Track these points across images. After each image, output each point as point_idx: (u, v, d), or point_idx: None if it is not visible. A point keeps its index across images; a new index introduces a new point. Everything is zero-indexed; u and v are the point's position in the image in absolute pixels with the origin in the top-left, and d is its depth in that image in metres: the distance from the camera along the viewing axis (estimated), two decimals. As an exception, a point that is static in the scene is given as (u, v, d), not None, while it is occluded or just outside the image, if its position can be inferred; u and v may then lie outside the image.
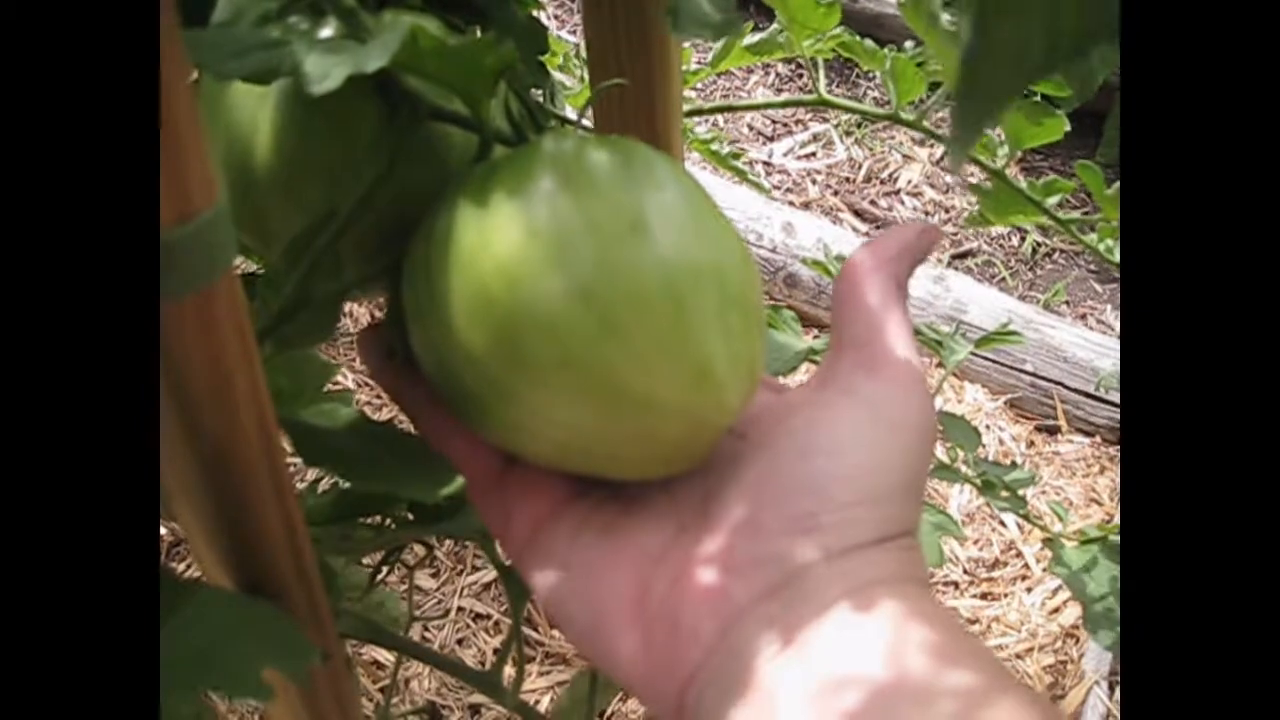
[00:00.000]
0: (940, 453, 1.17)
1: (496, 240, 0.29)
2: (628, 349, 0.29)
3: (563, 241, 0.29)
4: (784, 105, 0.54)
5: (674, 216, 0.30)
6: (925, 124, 0.52)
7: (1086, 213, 0.51)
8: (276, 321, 0.31)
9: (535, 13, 0.51)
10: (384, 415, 1.29)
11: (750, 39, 0.75)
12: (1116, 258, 0.52)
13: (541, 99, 0.55)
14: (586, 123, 0.51)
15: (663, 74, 0.47)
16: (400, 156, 0.34)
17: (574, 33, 2.27)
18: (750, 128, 2.05)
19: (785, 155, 1.94)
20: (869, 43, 0.56)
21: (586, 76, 0.85)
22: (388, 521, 0.47)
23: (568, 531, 0.33)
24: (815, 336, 1.52)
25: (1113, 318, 1.69)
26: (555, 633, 1.08)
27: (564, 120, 0.55)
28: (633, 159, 0.31)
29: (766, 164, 1.91)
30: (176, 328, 0.25)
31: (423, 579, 1.12)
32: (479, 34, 0.50)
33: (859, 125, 2.03)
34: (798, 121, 2.07)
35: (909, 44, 0.55)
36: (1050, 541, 0.66)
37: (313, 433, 0.34)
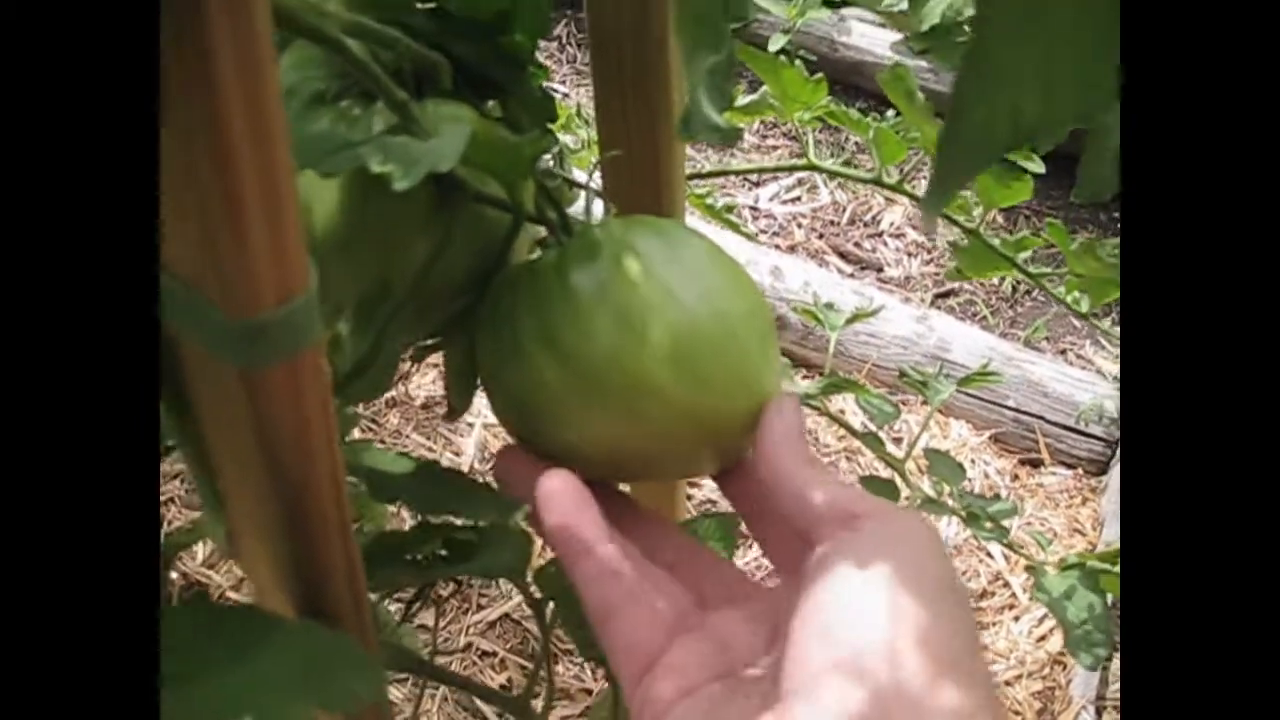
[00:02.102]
0: (927, 486, 1.22)
1: (598, 328, 0.38)
2: (710, 390, 0.38)
3: (644, 322, 0.38)
4: (776, 170, 0.59)
5: (719, 280, 0.39)
6: (905, 187, 0.56)
7: (1059, 266, 0.55)
8: (346, 379, 0.35)
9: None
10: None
11: (742, 100, 0.80)
12: (1083, 308, 0.57)
13: (552, 163, 0.60)
14: (596, 183, 0.56)
15: (666, 140, 0.52)
16: (452, 231, 0.39)
17: (564, 82, 2.33)
18: (737, 173, 2.10)
19: (771, 200, 1.99)
20: (853, 112, 0.61)
21: (588, 135, 0.90)
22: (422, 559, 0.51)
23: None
24: (805, 376, 1.56)
25: (1092, 352, 1.74)
26: (559, 669, 1.12)
27: (573, 183, 0.59)
28: (672, 239, 0.39)
29: (753, 209, 1.97)
30: (268, 389, 0.29)
31: (428, 618, 1.15)
32: (496, 104, 0.55)
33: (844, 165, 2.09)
34: (796, 122, 2.13)
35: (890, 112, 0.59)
36: (1032, 569, 0.70)
37: (383, 475, 0.39)
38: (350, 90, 0.47)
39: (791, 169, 0.60)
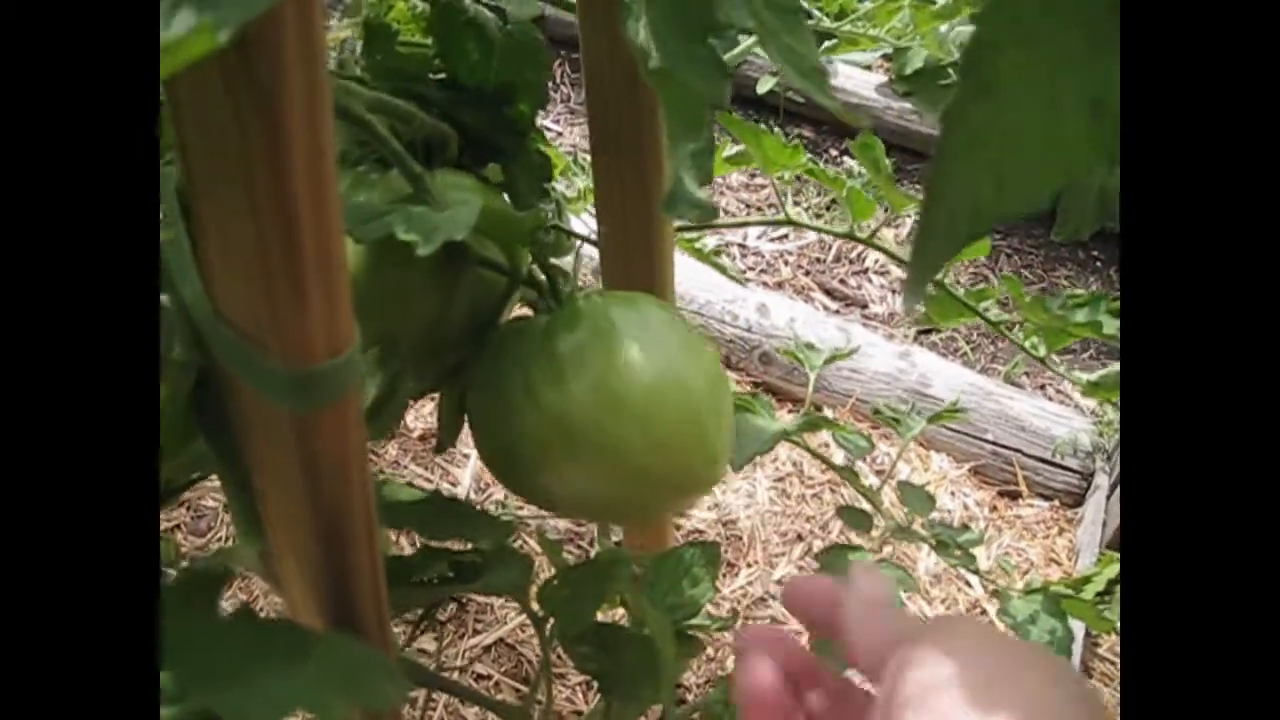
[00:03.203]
0: (901, 517, 1.26)
1: (576, 391, 0.45)
2: (672, 456, 0.45)
3: (617, 389, 0.44)
4: (759, 224, 0.64)
5: (684, 353, 0.46)
6: (875, 240, 0.61)
7: (1046, 288, 0.60)
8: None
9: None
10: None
11: (729, 150, 0.85)
12: (1041, 352, 0.62)
13: (552, 214, 0.65)
14: (592, 222, 0.61)
15: (658, 207, 0.57)
16: (455, 291, 0.45)
17: (557, 121, 2.39)
18: (725, 211, 2.16)
19: (759, 238, 2.05)
20: (831, 169, 0.66)
21: (585, 184, 0.96)
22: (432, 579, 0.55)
23: None
24: (790, 411, 1.61)
25: (1069, 388, 1.79)
26: (553, 690, 1.16)
27: (572, 234, 0.65)
28: (646, 315, 0.46)
29: (742, 246, 2.02)
30: (315, 429, 0.34)
31: (425, 642, 1.19)
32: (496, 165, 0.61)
33: (827, 208, 2.15)
34: (770, 205, 2.19)
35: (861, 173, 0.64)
36: (998, 594, 0.75)
37: (393, 505, 0.43)
38: (369, 156, 0.52)
39: (772, 223, 0.65)
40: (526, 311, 0.53)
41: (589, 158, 0.60)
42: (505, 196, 0.57)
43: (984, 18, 0.24)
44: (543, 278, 0.50)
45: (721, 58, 0.37)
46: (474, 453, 1.44)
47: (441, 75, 0.57)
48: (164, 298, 0.37)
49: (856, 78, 2.29)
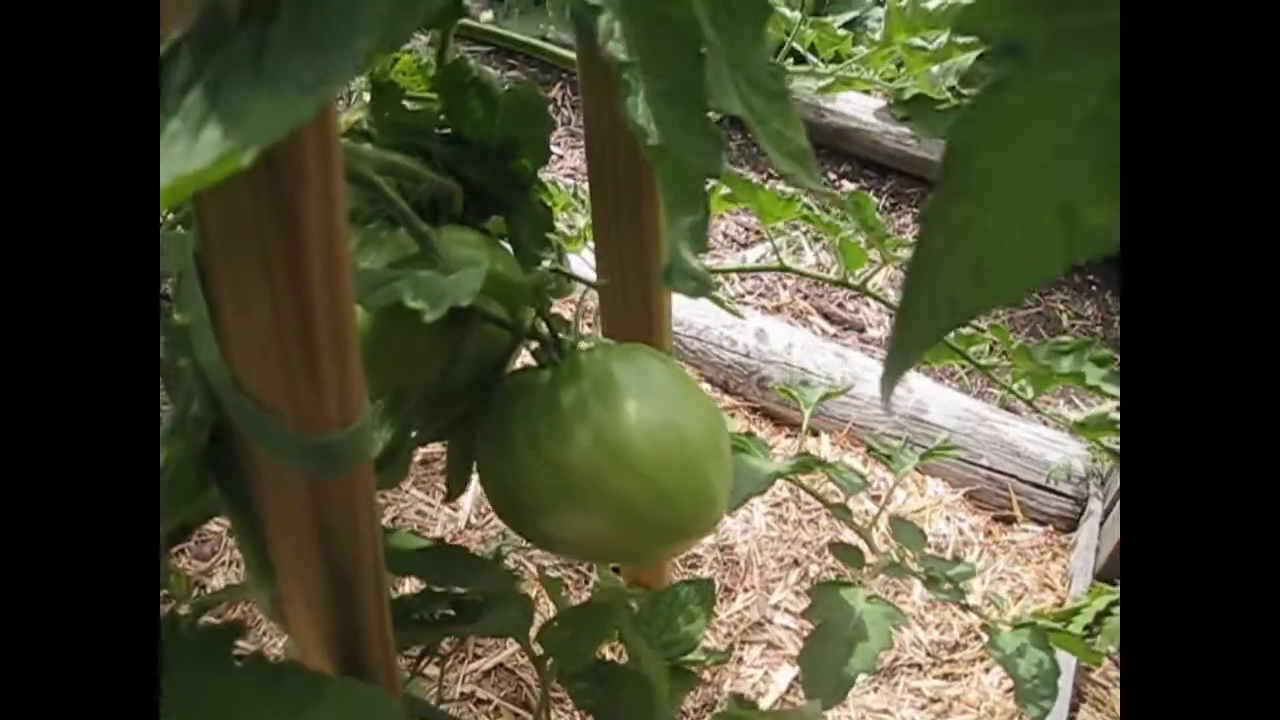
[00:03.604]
0: (895, 549, 1.28)
1: (578, 442, 0.47)
2: (673, 505, 0.47)
3: (617, 441, 0.46)
4: (755, 270, 0.66)
5: (682, 405, 0.48)
6: (868, 288, 0.63)
7: (1042, 311, 0.62)
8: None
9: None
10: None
11: (726, 190, 0.87)
12: (1029, 394, 0.64)
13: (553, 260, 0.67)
14: (590, 263, 0.63)
15: (654, 241, 0.59)
16: (461, 348, 0.47)
17: (558, 144, 2.41)
18: (725, 235, 2.18)
19: (758, 261, 2.07)
20: (827, 216, 0.68)
21: (586, 220, 0.97)
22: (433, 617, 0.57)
23: None
24: (787, 435, 1.63)
25: (1066, 410, 1.81)
26: (552, 715, 1.17)
27: (573, 277, 0.67)
28: (645, 368, 0.48)
29: (740, 270, 2.04)
30: (328, 491, 0.36)
31: (427, 668, 1.21)
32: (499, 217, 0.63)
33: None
34: (771, 227, 2.21)
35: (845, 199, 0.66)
36: (986, 627, 0.76)
37: (399, 553, 0.45)
38: (378, 214, 0.54)
39: (767, 269, 0.67)
40: (529, 359, 0.55)
41: (588, 188, 0.62)
42: (508, 245, 0.59)
43: (959, 125, 0.25)
44: (545, 330, 0.52)
45: (718, 131, 0.39)
46: (474, 479, 1.45)
47: (446, 130, 0.59)
48: (181, 360, 0.39)
49: (855, 102, 2.31)
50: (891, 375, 0.29)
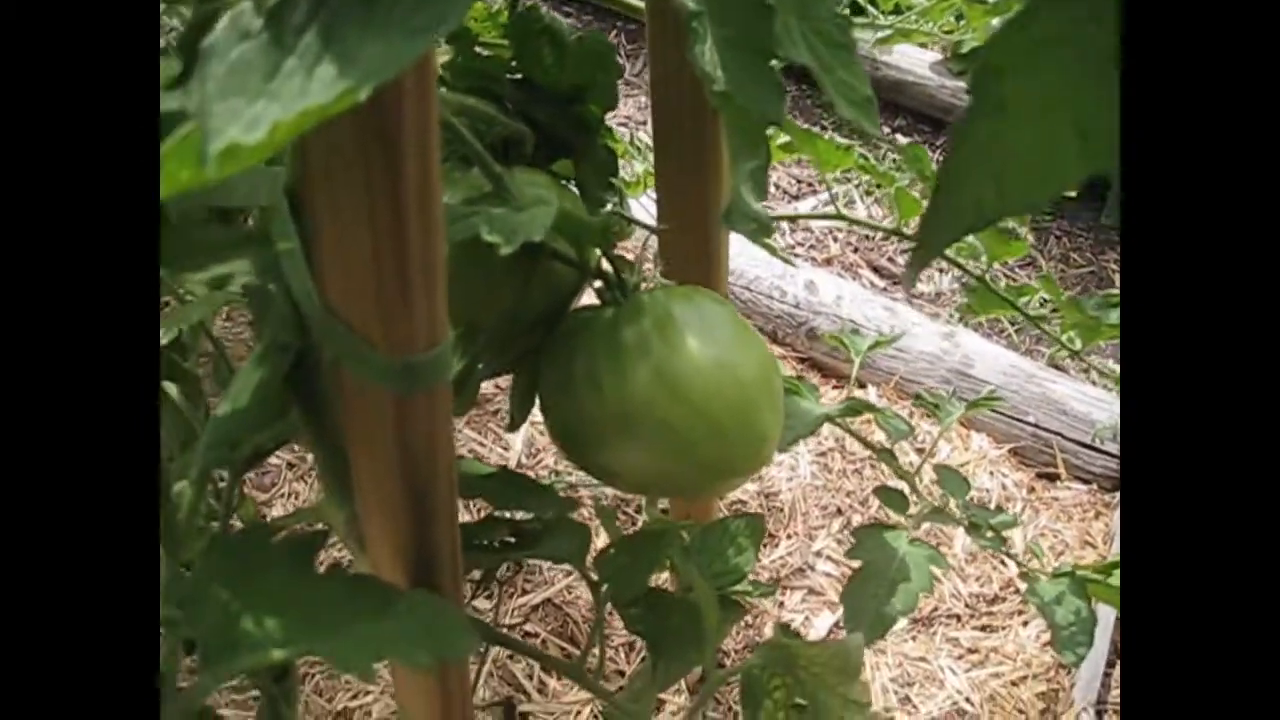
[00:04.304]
0: (938, 497, 1.30)
1: (638, 379, 0.49)
2: (726, 440, 0.49)
3: (675, 379, 0.49)
4: (811, 218, 0.68)
5: (738, 345, 0.50)
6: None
7: (1094, 270, 0.63)
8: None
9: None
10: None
11: (784, 138, 0.88)
12: (1078, 345, 0.65)
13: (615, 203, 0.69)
14: (652, 208, 0.65)
15: (715, 190, 0.61)
16: (530, 283, 0.49)
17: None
18: (777, 186, 2.18)
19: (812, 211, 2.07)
20: (882, 167, 0.70)
21: (645, 167, 0.99)
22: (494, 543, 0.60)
23: None
24: (835, 386, 1.65)
25: (1116, 366, 1.81)
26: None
27: (634, 221, 0.69)
28: (703, 310, 0.50)
29: (791, 221, 2.05)
30: (411, 410, 0.39)
31: (479, 601, 1.25)
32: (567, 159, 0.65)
33: (878, 185, 2.17)
34: (821, 180, 2.21)
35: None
36: (1026, 575, 0.78)
37: (467, 477, 0.48)
38: (453, 154, 0.56)
39: (822, 217, 0.69)
40: (593, 299, 0.58)
41: (643, 135, 0.64)
42: (574, 188, 0.62)
43: (992, 45, 0.27)
44: (610, 270, 0.54)
45: (780, 80, 0.41)
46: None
47: (517, 76, 0.61)
48: (270, 286, 0.42)
49: (911, 55, 2.30)
50: (915, 266, 0.31)
